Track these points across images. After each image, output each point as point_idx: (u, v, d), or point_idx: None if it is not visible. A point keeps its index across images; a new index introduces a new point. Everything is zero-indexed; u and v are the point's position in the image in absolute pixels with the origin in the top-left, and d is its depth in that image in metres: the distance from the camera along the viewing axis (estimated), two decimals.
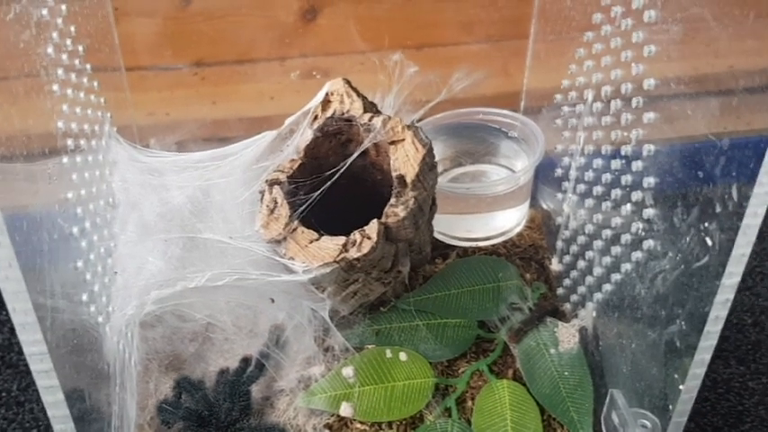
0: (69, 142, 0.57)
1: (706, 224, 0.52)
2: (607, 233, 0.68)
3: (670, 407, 0.58)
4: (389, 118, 0.66)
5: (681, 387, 0.56)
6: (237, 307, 0.74)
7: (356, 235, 0.64)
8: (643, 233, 0.62)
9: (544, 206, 0.87)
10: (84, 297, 0.56)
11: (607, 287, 0.69)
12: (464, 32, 1.06)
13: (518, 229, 0.86)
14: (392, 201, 0.65)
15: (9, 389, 1.04)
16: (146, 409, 0.70)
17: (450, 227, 0.85)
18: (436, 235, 0.85)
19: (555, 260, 0.82)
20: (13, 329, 1.09)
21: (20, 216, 0.44)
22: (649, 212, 0.61)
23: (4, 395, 1.03)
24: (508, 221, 0.85)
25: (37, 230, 0.47)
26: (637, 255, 0.63)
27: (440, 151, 0.87)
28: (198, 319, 0.74)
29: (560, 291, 0.80)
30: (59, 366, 0.48)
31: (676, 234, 0.57)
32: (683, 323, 0.56)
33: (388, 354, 0.72)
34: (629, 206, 0.64)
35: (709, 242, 0.52)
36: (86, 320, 0.57)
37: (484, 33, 1.05)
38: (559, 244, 0.80)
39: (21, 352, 1.08)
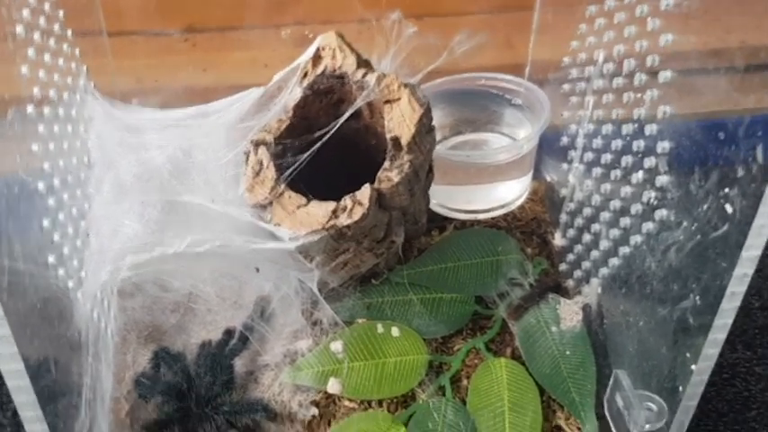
0: (35, 91, 0.53)
1: (726, 190, 0.48)
2: (616, 204, 0.64)
3: (680, 389, 0.55)
4: (384, 75, 0.62)
5: (693, 367, 0.53)
6: (221, 277, 0.70)
7: (347, 200, 0.60)
8: (655, 202, 0.58)
9: (548, 178, 0.83)
10: (51, 259, 0.52)
11: (614, 261, 0.65)
12: (467, 1, 1.01)
13: (520, 202, 0.82)
14: (386, 164, 0.61)
15: None
16: (123, 382, 0.66)
17: (449, 198, 0.80)
18: (433, 206, 0.81)
19: (558, 234, 0.78)
20: None
21: None
22: (663, 180, 0.56)
23: None
24: (509, 193, 0.81)
25: None
26: (648, 226, 0.59)
27: (439, 119, 0.83)
28: (180, 288, 0.70)
29: (563, 266, 0.76)
30: (21, 332, 0.44)
31: (692, 202, 0.53)
32: (696, 299, 0.52)
33: (380, 329, 0.68)
34: (640, 174, 0.60)
35: (729, 210, 0.48)
36: (53, 284, 0.53)
37: (486, 3, 1.01)
38: (563, 217, 0.76)
39: None
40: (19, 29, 0.50)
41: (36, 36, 0.53)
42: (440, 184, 0.76)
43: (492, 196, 0.81)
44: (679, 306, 0.54)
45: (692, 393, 0.54)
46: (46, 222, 0.52)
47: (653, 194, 0.58)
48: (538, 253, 0.77)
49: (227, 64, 1.07)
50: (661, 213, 0.57)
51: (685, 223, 0.54)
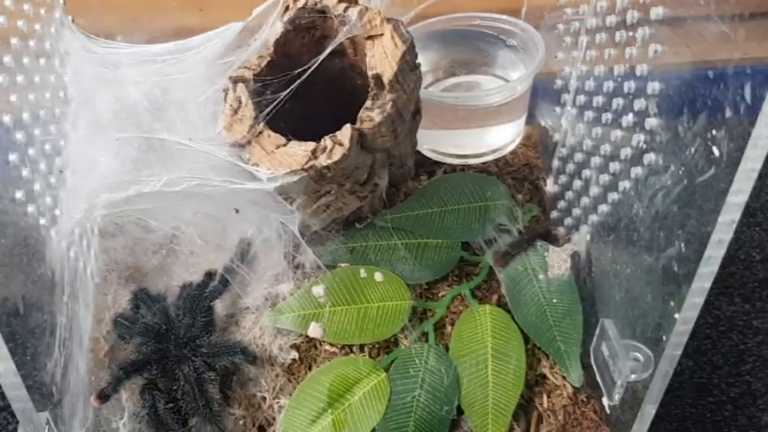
0: (1, 20, 0.51)
1: (713, 132, 0.46)
2: (606, 148, 0.62)
3: (664, 338, 0.53)
4: (367, 9, 0.60)
5: (676, 316, 0.51)
6: (204, 219, 0.69)
7: (327, 141, 0.58)
8: (644, 146, 0.56)
9: (542, 123, 0.81)
10: (19, 195, 0.51)
11: (603, 208, 0.63)
12: None
13: (512, 147, 0.80)
14: (367, 104, 0.59)
15: None
16: (102, 322, 0.66)
17: (439, 142, 0.78)
18: (424, 151, 0.79)
19: (550, 181, 0.76)
20: None
21: None
22: (652, 122, 0.54)
23: None
24: (501, 137, 0.79)
25: None
26: (636, 170, 0.57)
27: (431, 60, 0.81)
28: (162, 230, 0.69)
29: (554, 214, 0.74)
30: None
31: (680, 145, 0.51)
32: (682, 246, 0.50)
33: (363, 273, 0.67)
34: (630, 116, 0.57)
35: (716, 152, 0.46)
36: (23, 221, 0.52)
37: None
38: (555, 162, 0.74)
39: None
40: None
41: None
42: (430, 127, 0.74)
43: (484, 141, 0.79)
44: (665, 254, 0.53)
45: (677, 342, 0.53)
46: (13, 157, 0.51)
47: (642, 138, 0.56)
48: (529, 199, 0.76)
49: (224, 4, 1.04)
50: (649, 157, 0.55)
51: (673, 167, 0.52)
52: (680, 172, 0.51)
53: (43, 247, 0.55)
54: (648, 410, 0.57)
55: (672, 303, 0.52)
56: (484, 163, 0.79)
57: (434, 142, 0.78)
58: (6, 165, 0.50)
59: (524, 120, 0.80)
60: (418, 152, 0.77)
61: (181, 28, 0.93)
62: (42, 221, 0.55)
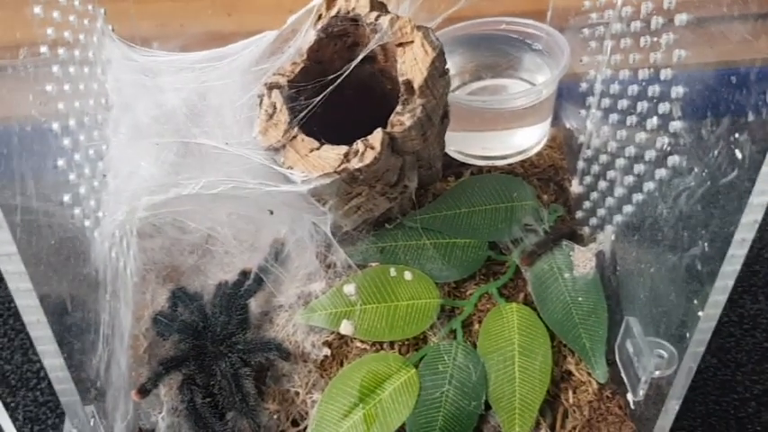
0: (49, 32, 0.53)
1: (736, 135, 0.47)
2: (631, 150, 0.63)
3: (687, 335, 0.55)
4: (397, 17, 0.62)
5: (700, 314, 0.52)
6: (239, 220, 0.71)
7: (359, 144, 0.60)
8: (668, 148, 0.57)
9: (567, 125, 0.82)
10: (67, 198, 0.53)
11: (628, 208, 0.65)
12: None
13: (538, 149, 0.82)
14: (398, 108, 0.61)
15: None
16: (141, 320, 0.68)
17: (466, 144, 0.80)
18: (451, 153, 0.80)
19: (575, 181, 0.77)
20: None
21: None
22: (676, 125, 0.56)
23: (13, 306, 1.02)
24: (527, 139, 0.80)
25: (4, 121, 0.43)
26: (660, 172, 0.59)
27: (459, 64, 0.83)
28: (197, 231, 0.71)
29: (579, 214, 0.75)
30: (36, 269, 0.45)
31: (704, 148, 0.52)
32: (705, 245, 0.52)
33: (393, 272, 0.69)
34: (655, 119, 0.59)
35: (739, 155, 0.47)
36: (71, 224, 0.54)
37: None
38: (580, 164, 0.75)
39: None
40: None
41: None
42: (457, 130, 0.76)
43: (509, 142, 0.80)
44: (688, 253, 0.54)
45: (700, 340, 0.54)
46: (60, 162, 0.53)
47: (666, 140, 0.58)
48: (554, 200, 0.77)
49: (252, 9, 1.06)
50: (673, 159, 0.57)
51: (696, 169, 0.53)
52: (703, 174, 0.52)
53: (88, 248, 0.58)
54: (672, 406, 0.59)
55: (695, 301, 0.53)
56: (510, 164, 0.80)
57: (461, 144, 0.80)
58: (55, 169, 0.52)
59: (549, 122, 0.82)
60: (445, 154, 0.78)
61: (211, 33, 0.95)
62: (87, 223, 0.57)
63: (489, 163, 0.80)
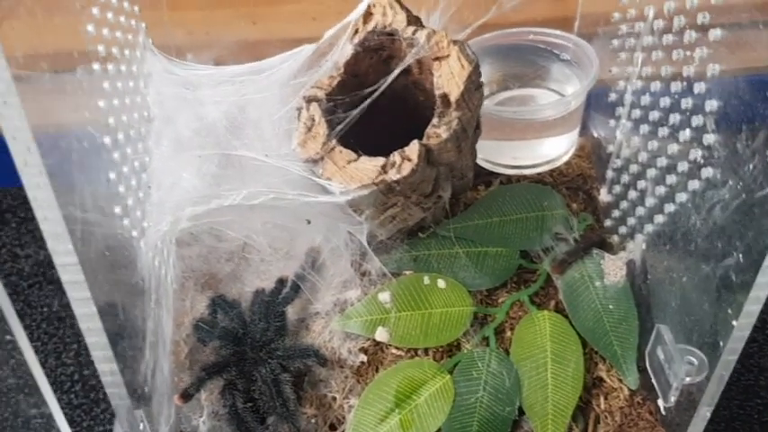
0: (100, 49, 0.55)
1: None
2: (662, 161, 0.65)
3: (720, 343, 0.56)
4: (434, 32, 0.63)
5: (734, 323, 0.53)
6: (274, 228, 0.73)
7: (396, 156, 0.62)
8: (702, 161, 0.58)
9: (595, 134, 0.83)
10: (118, 210, 0.55)
11: (659, 218, 0.66)
12: None
13: (566, 158, 0.83)
14: (434, 121, 0.62)
15: (50, 304, 1.06)
16: (181, 326, 0.70)
17: (495, 153, 0.81)
18: (480, 161, 0.82)
19: (604, 190, 0.78)
20: None
21: (47, 123, 0.42)
22: (710, 138, 0.57)
23: (46, 310, 1.05)
24: (556, 149, 0.82)
25: (66, 137, 0.45)
26: (694, 184, 0.60)
27: (487, 74, 0.84)
28: (234, 239, 0.73)
29: (608, 222, 0.77)
30: (92, 278, 0.47)
31: (739, 161, 0.53)
32: (740, 256, 0.53)
33: (426, 280, 0.70)
34: (687, 132, 0.60)
35: None
36: (120, 234, 0.56)
37: None
38: (609, 173, 0.76)
39: None
40: None
41: None
42: (487, 139, 0.77)
43: (538, 152, 0.81)
44: (722, 263, 0.55)
45: (733, 348, 0.55)
46: (112, 175, 0.55)
47: (700, 153, 0.59)
48: (583, 209, 0.78)
49: (276, 17, 1.08)
50: (707, 172, 0.58)
51: (731, 182, 0.54)
52: (738, 186, 0.53)
53: (135, 258, 0.59)
54: (704, 412, 0.60)
55: (729, 311, 0.54)
56: (539, 173, 0.81)
57: (490, 153, 0.81)
58: (108, 182, 0.54)
59: (578, 131, 0.83)
60: (475, 163, 0.80)
61: (239, 41, 0.97)
62: (134, 233, 0.59)
63: (518, 172, 0.81)
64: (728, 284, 0.55)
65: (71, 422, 0.94)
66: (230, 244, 0.73)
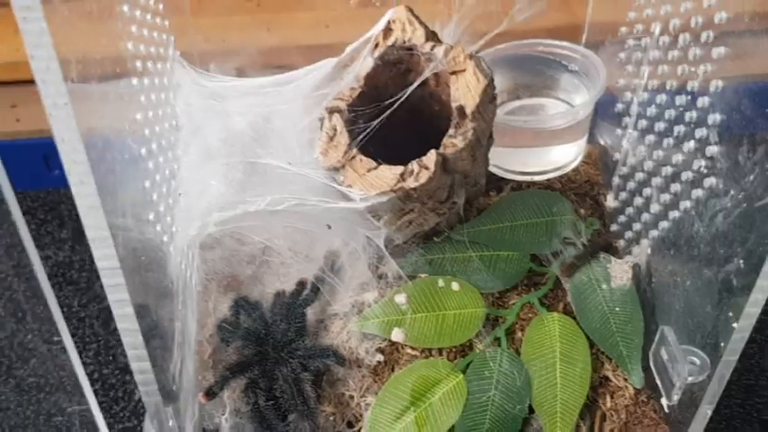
0: (138, 64, 0.58)
1: None
2: (667, 170, 0.67)
3: (721, 344, 0.59)
4: (451, 47, 0.66)
5: (734, 325, 0.56)
6: (294, 232, 0.75)
7: (414, 165, 0.65)
8: (705, 171, 0.61)
9: (602, 142, 0.86)
10: (151, 216, 0.58)
11: (664, 224, 0.69)
12: None
13: (574, 165, 0.86)
14: (451, 131, 0.65)
15: (70, 305, 1.09)
16: (205, 327, 0.73)
17: (506, 160, 0.84)
18: (491, 168, 0.84)
19: (610, 197, 0.81)
20: (72, 247, 1.13)
21: (94, 135, 0.45)
22: (713, 150, 0.60)
23: (65, 310, 1.08)
24: (565, 156, 0.85)
25: (110, 149, 0.48)
26: (697, 192, 0.63)
27: (498, 83, 0.85)
28: (255, 242, 0.76)
29: (614, 227, 0.80)
30: (129, 281, 0.50)
31: (740, 172, 0.56)
32: (741, 262, 0.56)
33: (441, 283, 0.73)
34: (692, 143, 0.63)
35: None
36: (152, 240, 0.59)
37: None
38: (616, 180, 0.79)
39: (81, 269, 1.12)
40: (125, 7, 0.55)
41: (137, 13, 0.58)
42: (498, 146, 0.79)
43: (547, 159, 0.84)
44: (724, 268, 0.58)
45: (733, 349, 0.58)
46: (147, 183, 0.58)
47: (703, 163, 0.61)
48: (590, 214, 0.81)
49: (290, 23, 1.10)
50: (710, 181, 0.61)
51: (733, 191, 0.57)
52: (740, 196, 0.56)
53: (165, 262, 0.62)
54: (705, 411, 0.63)
55: (730, 313, 0.57)
56: (548, 179, 0.84)
57: (501, 160, 0.84)
58: (143, 191, 0.57)
59: (586, 140, 0.86)
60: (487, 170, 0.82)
61: (257, 49, 1.00)
62: (165, 238, 0.62)
63: (528, 178, 0.84)
64: (729, 288, 0.57)
65: (90, 422, 0.97)
66: (252, 247, 0.76)
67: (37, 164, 1.20)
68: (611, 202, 0.81)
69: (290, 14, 1.12)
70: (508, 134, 0.81)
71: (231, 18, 1.10)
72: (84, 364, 1.03)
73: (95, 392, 1.00)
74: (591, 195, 0.83)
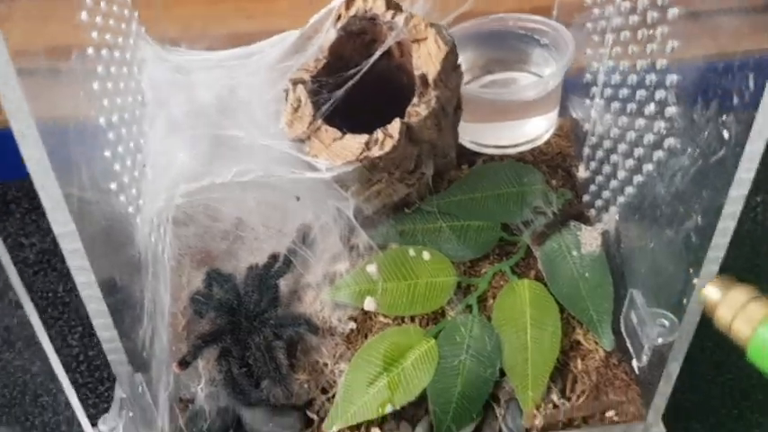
0: (94, 35, 0.59)
1: (723, 117, 0.52)
2: (631, 135, 0.68)
3: (685, 302, 0.59)
4: (412, 16, 0.67)
5: (695, 281, 0.57)
6: (267, 208, 0.76)
7: (378, 133, 0.65)
8: (665, 131, 0.62)
9: (573, 115, 0.87)
10: (113, 186, 0.59)
11: (630, 190, 0.69)
12: None
13: (546, 137, 0.86)
14: (414, 100, 0.66)
15: (55, 290, 1.10)
16: (179, 300, 0.74)
17: (479, 135, 0.85)
18: (465, 143, 0.85)
19: (582, 167, 0.82)
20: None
21: (43, 102, 0.46)
22: (671, 110, 0.61)
23: (51, 296, 1.08)
24: (536, 129, 0.85)
25: (63, 119, 0.49)
26: (658, 154, 0.63)
27: (470, 59, 0.87)
28: (228, 219, 0.76)
29: (586, 198, 0.80)
30: (90, 250, 0.50)
31: (695, 130, 0.57)
32: (698, 219, 0.56)
33: (412, 253, 0.74)
34: (652, 106, 0.63)
35: (726, 135, 0.52)
36: (116, 209, 0.59)
37: None
38: (586, 150, 0.80)
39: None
40: None
41: None
42: (470, 121, 0.80)
43: (520, 132, 0.85)
44: (684, 227, 0.59)
45: (695, 307, 0.59)
46: (107, 153, 0.58)
47: (663, 125, 0.62)
48: (562, 185, 0.82)
49: (270, 12, 1.11)
50: (669, 142, 0.61)
51: (689, 150, 0.58)
52: (696, 154, 0.57)
53: (132, 233, 0.63)
54: (674, 368, 0.64)
55: (691, 271, 0.58)
56: (520, 152, 0.85)
57: (474, 135, 0.85)
58: (103, 160, 0.58)
59: (557, 112, 0.86)
60: (460, 144, 0.83)
61: (233, 34, 1.00)
62: (131, 210, 0.63)
63: (501, 152, 0.85)
64: (690, 246, 0.58)
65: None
66: (225, 223, 0.76)
67: (19, 153, 1.20)
68: (582, 172, 0.82)
69: (269, 3, 1.12)
70: (481, 108, 0.81)
71: (211, 7, 1.10)
72: (70, 347, 1.04)
73: (81, 374, 1.01)
74: (563, 167, 0.84)
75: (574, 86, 0.84)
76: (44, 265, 1.12)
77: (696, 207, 0.57)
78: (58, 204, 0.47)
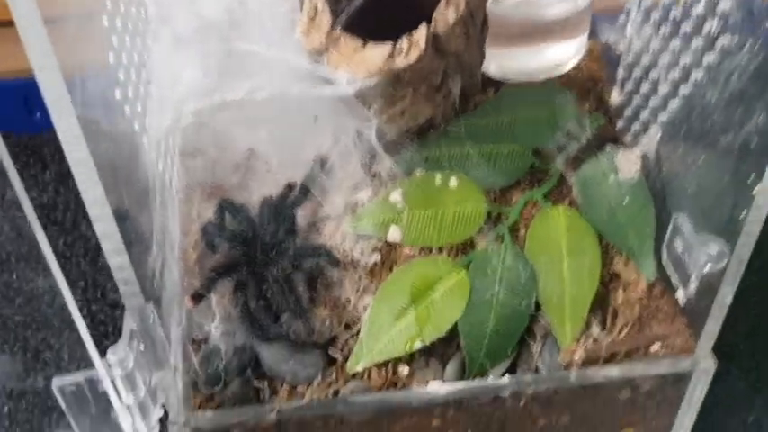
0: None
1: None
2: (675, 44, 0.63)
3: (741, 216, 0.54)
4: None
5: (754, 191, 0.52)
6: (281, 137, 0.71)
7: (403, 42, 0.60)
8: (717, 31, 0.57)
9: (603, 39, 0.82)
10: (118, 95, 0.54)
11: (674, 104, 0.64)
12: None
13: (575, 61, 0.81)
14: (441, 5, 0.61)
15: (56, 245, 1.05)
16: (189, 234, 0.69)
17: (504, 61, 0.79)
18: (489, 71, 0.80)
19: (615, 92, 0.77)
20: (57, 190, 1.10)
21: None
22: (725, 4, 0.55)
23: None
24: (565, 53, 0.79)
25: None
26: (709, 58, 0.58)
27: None
28: (240, 150, 0.71)
29: (620, 123, 0.75)
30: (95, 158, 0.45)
31: (756, 21, 0.52)
32: (760, 117, 0.51)
33: (438, 180, 0.69)
34: (701, 4, 0.58)
35: None
36: (121, 122, 0.55)
37: None
38: (620, 71, 0.75)
39: (66, 210, 1.09)
40: None
41: None
42: (495, 47, 0.75)
43: (547, 56, 0.79)
44: (742, 131, 0.54)
45: (756, 218, 0.54)
46: (111, 57, 0.53)
47: (714, 23, 0.57)
48: (596, 109, 0.76)
49: None
50: (723, 41, 0.56)
51: (748, 44, 0.53)
52: (756, 47, 0.52)
53: (137, 153, 0.58)
54: (726, 294, 0.59)
55: (749, 181, 0.53)
56: (547, 79, 0.79)
57: (499, 62, 0.79)
58: (107, 64, 0.53)
59: (587, 36, 0.81)
60: (483, 72, 0.78)
61: None
62: (136, 126, 0.58)
63: (528, 78, 0.79)
64: (749, 152, 0.53)
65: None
66: (236, 155, 0.72)
67: (18, 107, 1.16)
68: (615, 98, 0.77)
69: None
70: (505, 31, 0.76)
71: None
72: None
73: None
74: (594, 92, 0.78)
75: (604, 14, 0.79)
76: (43, 220, 1.07)
77: (756, 106, 0.52)
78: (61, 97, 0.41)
